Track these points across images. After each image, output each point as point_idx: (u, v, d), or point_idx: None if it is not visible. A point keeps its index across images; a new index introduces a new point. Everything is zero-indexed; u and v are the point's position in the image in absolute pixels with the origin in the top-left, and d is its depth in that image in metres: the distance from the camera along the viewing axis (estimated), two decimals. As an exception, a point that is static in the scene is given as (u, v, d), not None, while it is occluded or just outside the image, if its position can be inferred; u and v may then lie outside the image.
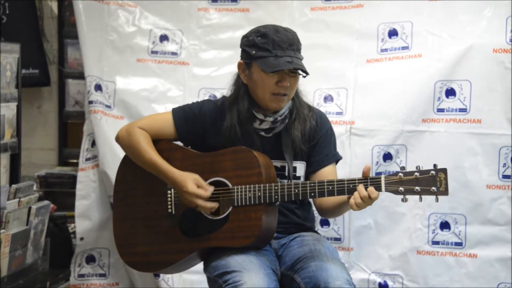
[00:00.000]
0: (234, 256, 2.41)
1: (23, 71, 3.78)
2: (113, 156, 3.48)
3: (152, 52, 3.78)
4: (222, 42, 3.77)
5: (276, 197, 2.41)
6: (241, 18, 3.76)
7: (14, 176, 3.31)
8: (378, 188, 2.31)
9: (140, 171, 2.60)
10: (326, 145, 2.64)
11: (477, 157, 3.32)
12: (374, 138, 3.42)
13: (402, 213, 3.40)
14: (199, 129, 2.61)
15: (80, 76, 3.94)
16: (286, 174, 2.57)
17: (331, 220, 3.47)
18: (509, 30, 3.31)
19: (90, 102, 3.64)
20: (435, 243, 3.38)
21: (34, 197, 3.04)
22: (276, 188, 2.41)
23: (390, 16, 3.55)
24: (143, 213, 2.62)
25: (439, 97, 3.38)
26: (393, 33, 3.53)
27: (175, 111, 2.64)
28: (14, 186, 2.94)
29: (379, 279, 3.44)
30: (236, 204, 2.44)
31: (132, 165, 2.63)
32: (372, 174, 2.65)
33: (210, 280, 2.53)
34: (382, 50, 3.54)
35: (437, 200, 2.29)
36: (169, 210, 2.57)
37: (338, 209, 2.56)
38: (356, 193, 2.31)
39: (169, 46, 3.79)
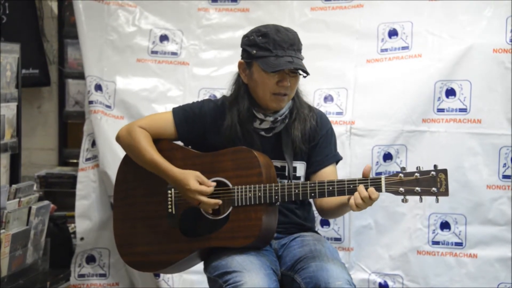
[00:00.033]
0: (234, 256, 2.41)
1: (23, 71, 3.77)
2: (113, 156, 3.48)
3: (152, 52, 3.78)
4: (222, 42, 3.77)
5: (276, 197, 2.41)
6: (241, 18, 3.76)
7: (14, 176, 3.31)
8: (379, 189, 2.31)
9: (141, 170, 2.60)
10: (326, 145, 2.64)
11: (477, 157, 3.32)
12: (374, 138, 3.42)
13: (402, 213, 3.40)
14: (200, 129, 2.61)
15: (80, 76, 3.94)
16: (286, 174, 2.57)
17: (331, 220, 3.47)
18: (509, 30, 3.31)
19: (90, 102, 3.64)
20: (435, 243, 3.38)
21: (34, 197, 3.04)
22: (276, 188, 2.41)
23: (390, 16, 3.55)
24: (144, 213, 2.62)
25: (439, 97, 3.38)
26: (393, 33, 3.53)
27: (176, 111, 2.64)
28: (14, 186, 2.94)
29: (379, 279, 3.44)
30: (236, 204, 2.44)
31: (132, 165, 2.63)
32: (372, 174, 2.66)
33: (210, 280, 2.53)
34: (382, 50, 3.54)
35: (437, 200, 2.29)
36: (169, 210, 2.57)
37: (338, 210, 2.55)
38: (356, 194, 2.31)
39: (169, 46, 3.79)
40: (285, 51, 2.45)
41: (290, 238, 2.60)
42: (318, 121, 2.63)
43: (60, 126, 4.34)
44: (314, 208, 2.73)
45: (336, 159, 2.67)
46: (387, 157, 3.42)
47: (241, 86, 2.58)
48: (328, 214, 2.67)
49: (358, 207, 2.32)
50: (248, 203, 2.43)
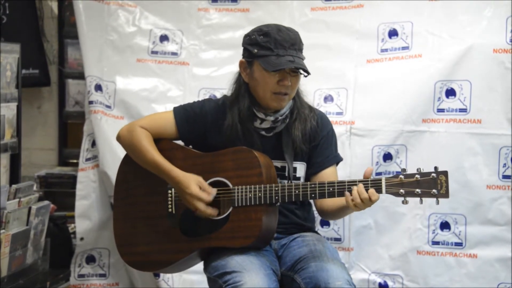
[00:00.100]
0: (234, 256, 2.41)
1: (23, 71, 3.77)
2: (113, 156, 3.48)
3: (152, 52, 3.78)
4: (222, 42, 3.77)
5: (276, 197, 2.41)
6: (241, 18, 3.76)
7: (14, 176, 3.31)
8: (379, 190, 2.31)
9: (141, 170, 2.60)
10: (327, 146, 2.63)
11: (477, 157, 3.32)
12: (374, 138, 3.42)
13: (402, 213, 3.40)
14: (200, 129, 2.60)
15: (80, 76, 3.94)
16: (286, 174, 2.57)
17: (331, 220, 3.47)
18: (509, 30, 3.31)
19: (90, 102, 3.64)
20: (435, 243, 3.38)
21: (34, 197, 3.04)
22: (276, 188, 2.41)
23: (390, 16, 3.55)
24: (144, 212, 2.61)
25: (439, 97, 3.38)
26: (393, 33, 3.53)
27: (177, 110, 2.64)
28: (14, 186, 2.94)
29: (379, 279, 3.44)
30: (236, 205, 2.44)
31: (132, 165, 2.63)
32: (372, 175, 2.64)
33: (210, 280, 2.53)
34: (382, 50, 3.54)
35: (437, 202, 2.29)
36: (170, 210, 2.57)
37: (339, 212, 2.56)
38: (355, 194, 2.31)
39: (169, 46, 3.79)
40: (286, 50, 2.45)
41: (290, 239, 2.60)
42: (319, 122, 2.63)
43: (60, 126, 4.34)
44: (314, 208, 2.73)
45: (337, 160, 2.67)
46: (387, 157, 3.42)
47: (241, 85, 2.58)
48: (328, 216, 2.67)
49: (357, 207, 2.32)
50: (248, 204, 2.43)
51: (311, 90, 3.38)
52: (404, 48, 3.49)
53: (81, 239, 3.67)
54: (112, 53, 3.75)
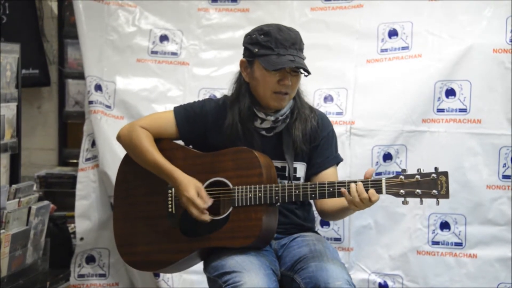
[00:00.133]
0: (234, 256, 2.41)
1: (23, 71, 3.77)
2: (113, 156, 3.48)
3: (152, 52, 3.78)
4: (222, 42, 3.77)
5: (276, 197, 2.41)
6: (241, 18, 3.76)
7: (14, 176, 3.31)
8: (379, 191, 2.31)
9: (141, 170, 2.60)
10: (327, 147, 2.63)
11: (477, 157, 3.32)
12: (374, 138, 3.42)
13: (402, 213, 3.40)
14: (201, 128, 2.60)
15: (80, 76, 3.94)
16: (287, 174, 2.57)
17: (331, 220, 3.47)
18: (509, 30, 3.31)
19: (90, 102, 3.63)
20: (435, 243, 3.38)
21: (34, 197, 3.04)
22: (277, 188, 2.41)
23: (390, 16, 3.55)
24: (144, 212, 2.61)
25: (439, 97, 3.38)
26: (393, 33, 3.53)
27: (177, 110, 2.64)
28: (14, 186, 2.94)
29: (379, 279, 3.44)
30: (236, 205, 2.44)
31: (132, 165, 2.63)
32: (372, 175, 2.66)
33: (210, 280, 2.53)
34: (382, 50, 3.54)
35: (437, 203, 2.29)
36: (170, 210, 2.57)
37: (339, 214, 2.56)
38: (354, 192, 2.31)
39: (169, 46, 3.79)
40: (287, 50, 2.45)
41: (290, 239, 2.60)
42: (320, 123, 2.63)
43: (60, 126, 4.34)
44: (314, 208, 2.73)
45: (337, 161, 2.67)
46: (387, 157, 3.42)
47: (242, 84, 2.58)
48: (328, 217, 2.67)
49: (355, 205, 2.32)
50: (248, 203, 2.43)
51: (311, 90, 3.37)
52: (404, 48, 3.49)
53: (81, 239, 3.67)
54: (112, 53, 3.75)
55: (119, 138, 2.67)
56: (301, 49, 2.50)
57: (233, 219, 2.45)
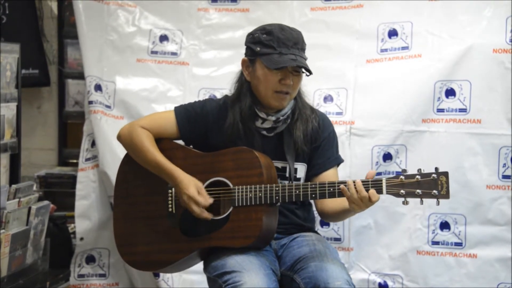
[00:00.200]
0: (234, 256, 2.41)
1: (23, 71, 3.78)
2: (113, 156, 3.48)
3: (152, 52, 3.78)
4: (222, 42, 3.77)
5: (277, 197, 2.41)
6: (241, 18, 3.76)
7: (14, 176, 3.31)
8: (379, 191, 2.30)
9: (141, 170, 2.60)
10: (328, 148, 2.63)
11: (477, 157, 3.32)
12: (374, 138, 3.42)
13: (402, 213, 3.40)
14: (201, 128, 2.60)
15: (80, 76, 3.94)
16: (287, 175, 2.57)
17: (331, 220, 3.47)
18: (509, 30, 3.31)
19: (90, 102, 3.63)
20: (435, 243, 3.38)
21: (34, 197, 3.04)
22: (277, 188, 2.41)
23: (390, 16, 3.55)
24: (144, 212, 2.61)
25: (439, 97, 3.38)
26: (393, 33, 3.53)
27: (177, 110, 2.63)
28: (14, 186, 2.94)
29: (379, 279, 3.44)
30: (236, 204, 2.44)
31: (132, 165, 2.63)
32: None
33: (210, 280, 2.53)
34: (382, 50, 3.54)
35: (438, 203, 2.29)
36: (170, 210, 2.56)
37: (340, 215, 2.56)
38: (353, 189, 2.30)
39: (169, 46, 3.79)
40: (289, 49, 2.45)
41: (290, 238, 2.60)
42: (321, 123, 2.63)
43: (60, 126, 4.34)
44: (314, 208, 2.73)
45: (338, 162, 2.67)
46: (387, 157, 3.42)
47: (243, 83, 2.58)
48: (329, 218, 2.67)
49: (354, 203, 2.31)
50: (248, 203, 2.43)
51: (311, 90, 3.37)
52: (404, 48, 3.49)
53: (81, 239, 3.67)
54: (112, 53, 3.75)
55: (119, 138, 2.67)
56: (303, 49, 2.51)
57: (233, 219, 2.45)
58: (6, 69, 3.18)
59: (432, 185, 2.28)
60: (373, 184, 2.31)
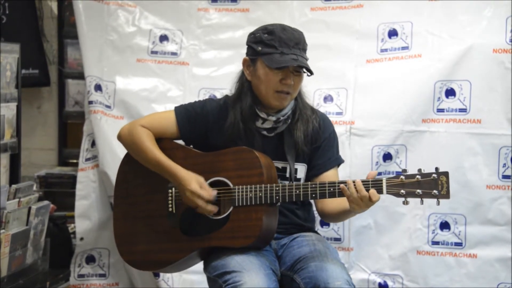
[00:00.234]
0: (234, 256, 2.41)
1: (23, 71, 3.78)
2: (113, 156, 3.48)
3: (152, 52, 3.78)
4: (222, 42, 3.77)
5: (277, 197, 2.41)
6: (241, 18, 3.76)
7: (14, 176, 3.31)
8: (380, 191, 2.30)
9: (141, 170, 2.60)
10: (329, 148, 2.63)
11: (477, 157, 3.32)
12: (374, 138, 3.42)
13: (402, 213, 3.40)
14: (202, 128, 2.60)
15: (80, 76, 3.94)
16: (288, 175, 2.57)
17: (331, 221, 3.47)
18: (509, 30, 3.31)
19: (90, 102, 3.63)
20: (435, 243, 3.38)
21: (34, 197, 3.04)
22: (277, 188, 2.41)
23: (390, 16, 3.55)
24: (144, 212, 2.61)
25: (439, 97, 3.38)
26: (393, 33, 3.53)
27: (178, 110, 2.63)
28: (14, 186, 2.94)
29: (379, 279, 3.44)
30: (237, 204, 2.44)
31: (133, 164, 2.63)
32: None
33: (210, 280, 2.53)
34: (382, 50, 3.54)
35: (438, 203, 2.29)
36: (170, 209, 2.56)
37: (340, 216, 2.56)
38: (352, 188, 2.30)
39: (169, 46, 3.79)
40: (290, 49, 2.45)
41: (290, 238, 2.60)
42: (321, 124, 2.63)
43: (60, 126, 4.34)
44: (314, 208, 2.73)
45: (338, 162, 2.67)
46: (387, 157, 3.42)
47: (244, 83, 2.58)
48: (329, 218, 2.67)
49: (353, 202, 2.31)
50: (248, 203, 2.43)
51: (311, 90, 3.37)
52: (404, 48, 3.49)
53: (81, 239, 3.67)
54: (112, 53, 3.75)
55: (120, 138, 2.67)
56: (304, 49, 2.51)
57: (233, 219, 2.45)
58: (6, 69, 3.18)
59: (433, 185, 2.27)
60: (373, 184, 2.31)
